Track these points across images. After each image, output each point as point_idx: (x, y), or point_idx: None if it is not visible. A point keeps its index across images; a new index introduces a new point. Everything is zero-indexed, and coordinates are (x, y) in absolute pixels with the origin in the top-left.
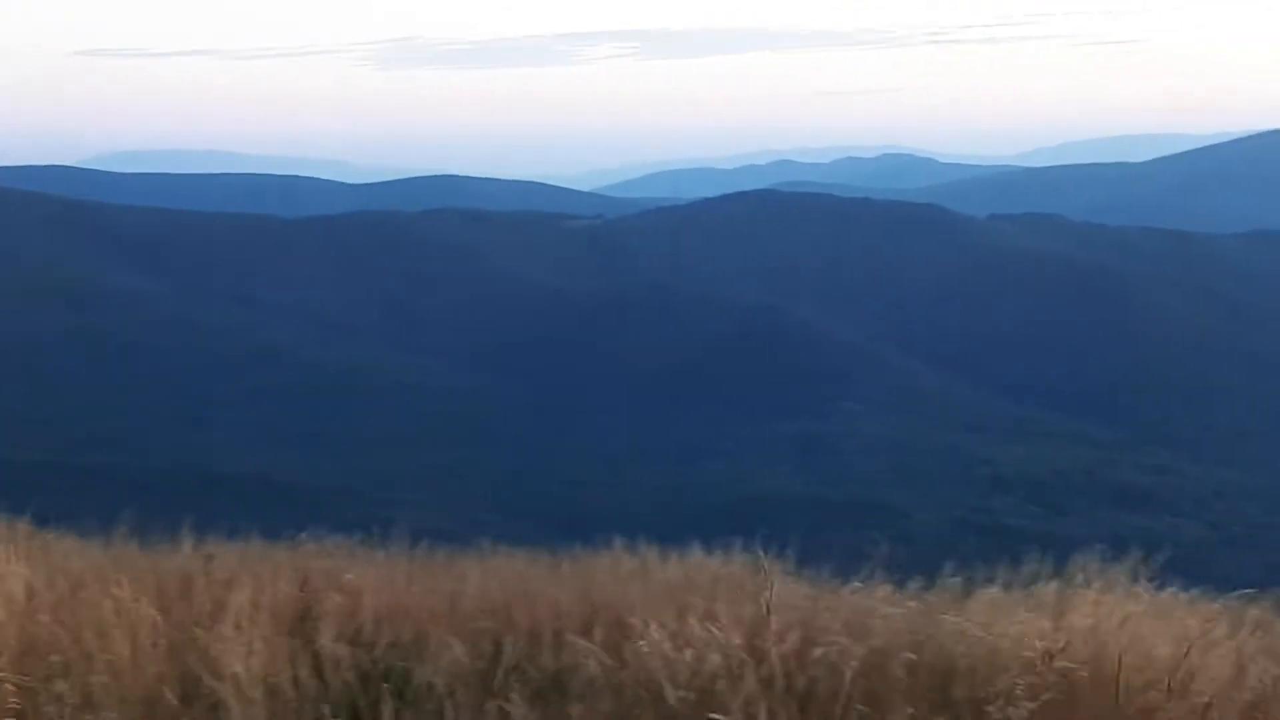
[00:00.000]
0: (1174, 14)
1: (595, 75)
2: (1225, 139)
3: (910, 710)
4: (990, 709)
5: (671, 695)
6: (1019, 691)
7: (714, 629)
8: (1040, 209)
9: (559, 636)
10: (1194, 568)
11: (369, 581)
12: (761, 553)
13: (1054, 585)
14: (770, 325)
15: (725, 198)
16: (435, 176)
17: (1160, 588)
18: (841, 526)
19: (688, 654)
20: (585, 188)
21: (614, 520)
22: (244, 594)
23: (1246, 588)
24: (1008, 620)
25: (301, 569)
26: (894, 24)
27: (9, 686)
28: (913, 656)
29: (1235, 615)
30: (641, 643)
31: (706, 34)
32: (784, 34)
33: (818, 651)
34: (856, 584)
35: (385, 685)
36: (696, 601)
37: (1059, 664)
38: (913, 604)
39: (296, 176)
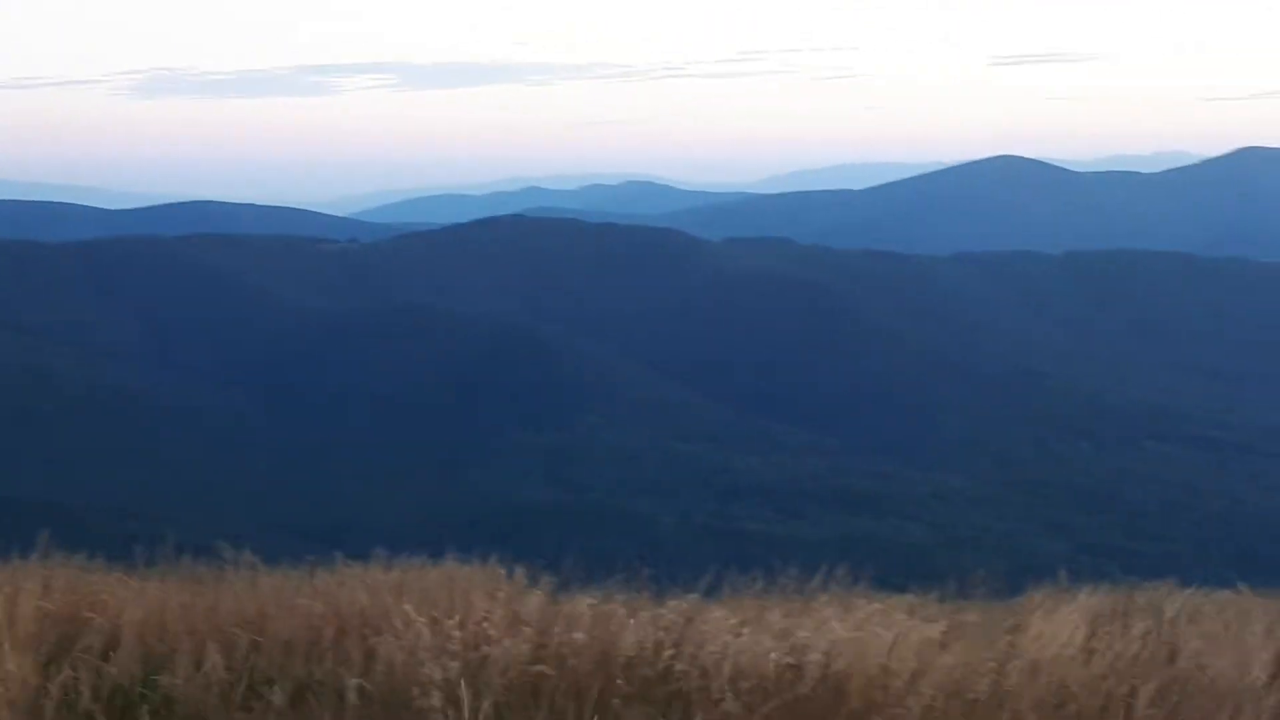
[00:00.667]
0: (887, 52)
1: (351, 106)
2: (937, 168)
3: (646, 711)
4: (725, 709)
5: (419, 699)
6: (752, 692)
7: (460, 634)
8: (771, 233)
9: (312, 646)
10: (918, 567)
11: (126, 597)
12: (512, 561)
13: (788, 588)
14: (520, 343)
15: (477, 223)
16: (193, 202)
17: (886, 588)
18: (590, 534)
19: (435, 659)
20: (341, 213)
21: (371, 532)
22: None
23: (968, 587)
24: (741, 623)
25: (59, 587)
26: (630, 59)
27: None
28: (650, 660)
29: (955, 614)
30: (394, 649)
31: (459, 68)
32: (533, 68)
33: (554, 653)
34: (600, 589)
35: (138, 698)
36: (448, 609)
37: (790, 665)
38: (658, 610)
39: (58, 203)
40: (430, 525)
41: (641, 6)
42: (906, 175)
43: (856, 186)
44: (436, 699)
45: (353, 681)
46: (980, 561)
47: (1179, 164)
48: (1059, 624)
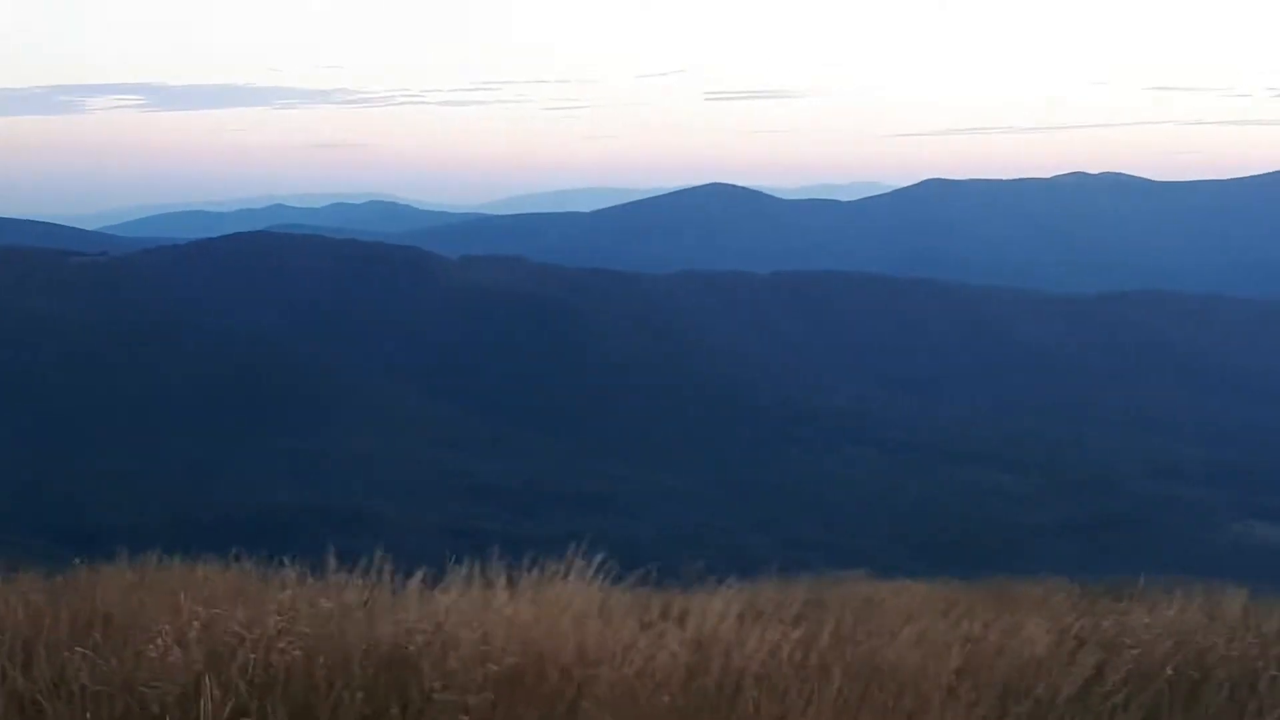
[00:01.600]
0: (615, 84)
1: (102, 124)
2: (658, 193)
3: (361, 694)
4: (439, 697)
5: (154, 699)
6: (469, 681)
7: (205, 629)
8: (505, 251)
9: (54, 647)
10: (644, 563)
11: None
12: (259, 562)
13: (519, 581)
14: (267, 353)
15: (224, 238)
16: None
17: (611, 581)
18: (336, 535)
19: (179, 657)
20: (90, 227)
21: (122, 536)
22: None
23: (691, 580)
24: (470, 613)
25: None
26: (372, 87)
27: None
28: (376, 649)
29: (679, 604)
30: (146, 648)
31: (209, 90)
32: (279, 92)
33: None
34: (344, 585)
35: None
36: (197, 609)
37: (509, 652)
38: (398, 600)
39: None
40: (180, 529)
41: (382, 39)
42: (629, 200)
43: (584, 209)
44: (177, 693)
45: (92, 680)
46: (698, 555)
47: (873, 193)
48: (716, 606)
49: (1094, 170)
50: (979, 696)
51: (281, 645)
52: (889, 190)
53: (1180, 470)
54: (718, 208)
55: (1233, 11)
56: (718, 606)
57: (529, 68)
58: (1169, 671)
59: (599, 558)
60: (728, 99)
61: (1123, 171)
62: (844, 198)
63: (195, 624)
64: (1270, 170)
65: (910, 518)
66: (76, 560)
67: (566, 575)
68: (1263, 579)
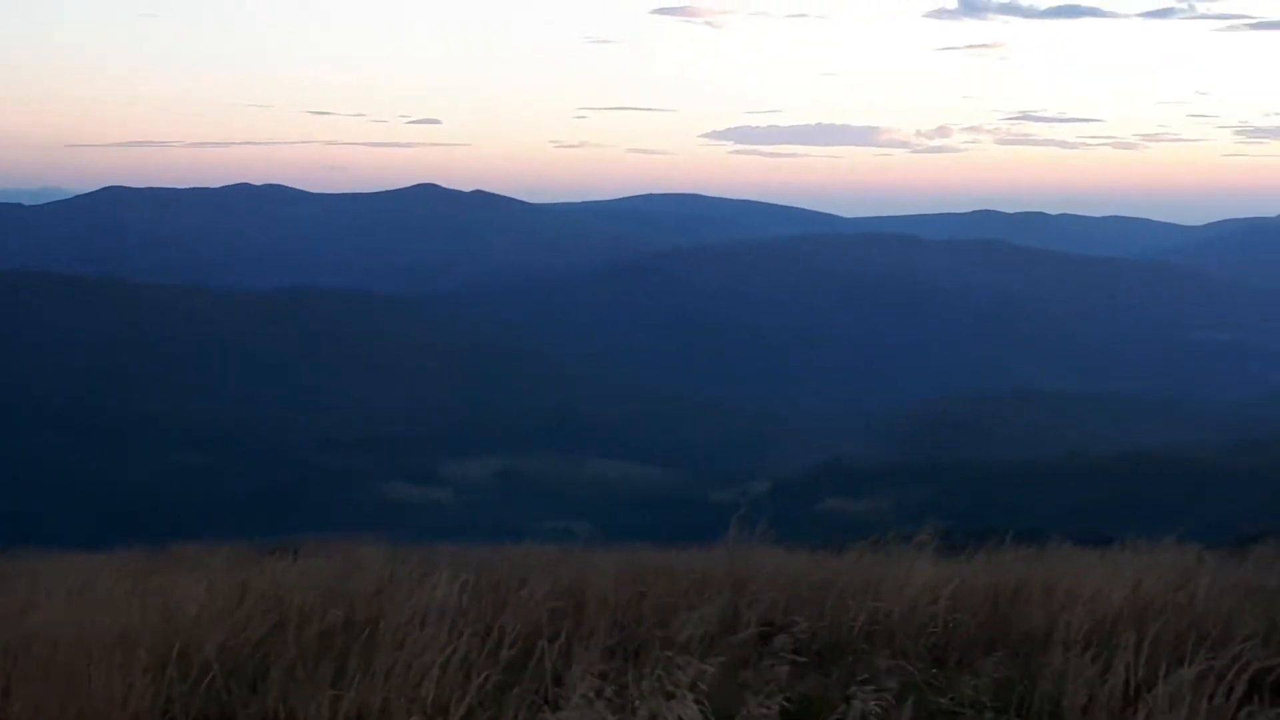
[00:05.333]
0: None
1: None
2: None
3: None
4: None
5: None
6: None
7: None
8: None
9: None
10: None
11: None
12: None
13: None
14: None
15: None
16: None
17: None
18: None
19: None
20: None
21: None
22: None
23: None
24: None
25: None
26: None
27: None
28: None
29: None
30: None
31: None
32: None
33: None
34: None
35: None
36: None
37: None
38: None
39: None
40: None
41: None
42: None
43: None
44: None
45: None
46: None
47: (57, 198)
48: None
49: (258, 182)
50: (134, 654)
51: None
52: (71, 195)
53: (341, 443)
54: None
55: (525, 50)
56: None
57: None
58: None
59: None
60: None
61: (283, 183)
62: (30, 201)
63: None
64: (408, 185)
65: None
66: None
67: None
68: (403, 529)
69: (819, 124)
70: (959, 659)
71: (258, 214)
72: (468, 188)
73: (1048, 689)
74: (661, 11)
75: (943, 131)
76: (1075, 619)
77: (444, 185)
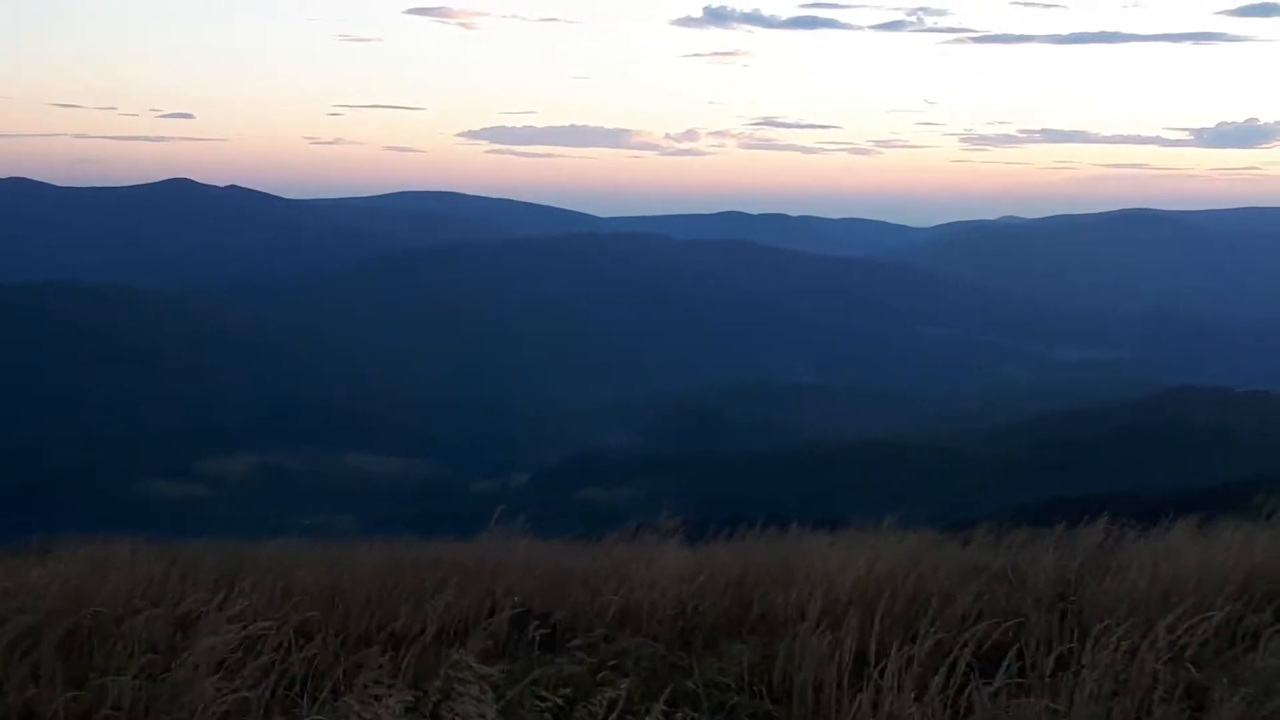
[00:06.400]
0: None
1: None
2: None
3: None
4: None
5: None
6: None
7: None
8: None
9: None
10: None
11: None
12: None
13: None
14: None
15: None
16: None
17: None
18: None
19: None
20: None
21: None
22: None
23: None
24: None
25: None
26: None
27: None
28: None
29: None
30: None
31: None
32: None
33: None
34: None
35: None
36: None
37: None
38: None
39: None
40: None
41: None
42: None
43: None
44: None
45: None
46: None
47: None
48: None
49: (0, 175)
50: None
51: None
52: None
53: (95, 439)
54: None
55: (280, 47)
56: None
57: None
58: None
59: None
60: None
61: (28, 176)
62: None
63: None
64: (160, 179)
65: None
66: None
67: None
68: (159, 527)
69: (572, 125)
70: (705, 641)
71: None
72: (222, 183)
73: (786, 668)
74: (416, 11)
75: (690, 135)
76: (812, 600)
77: (198, 180)
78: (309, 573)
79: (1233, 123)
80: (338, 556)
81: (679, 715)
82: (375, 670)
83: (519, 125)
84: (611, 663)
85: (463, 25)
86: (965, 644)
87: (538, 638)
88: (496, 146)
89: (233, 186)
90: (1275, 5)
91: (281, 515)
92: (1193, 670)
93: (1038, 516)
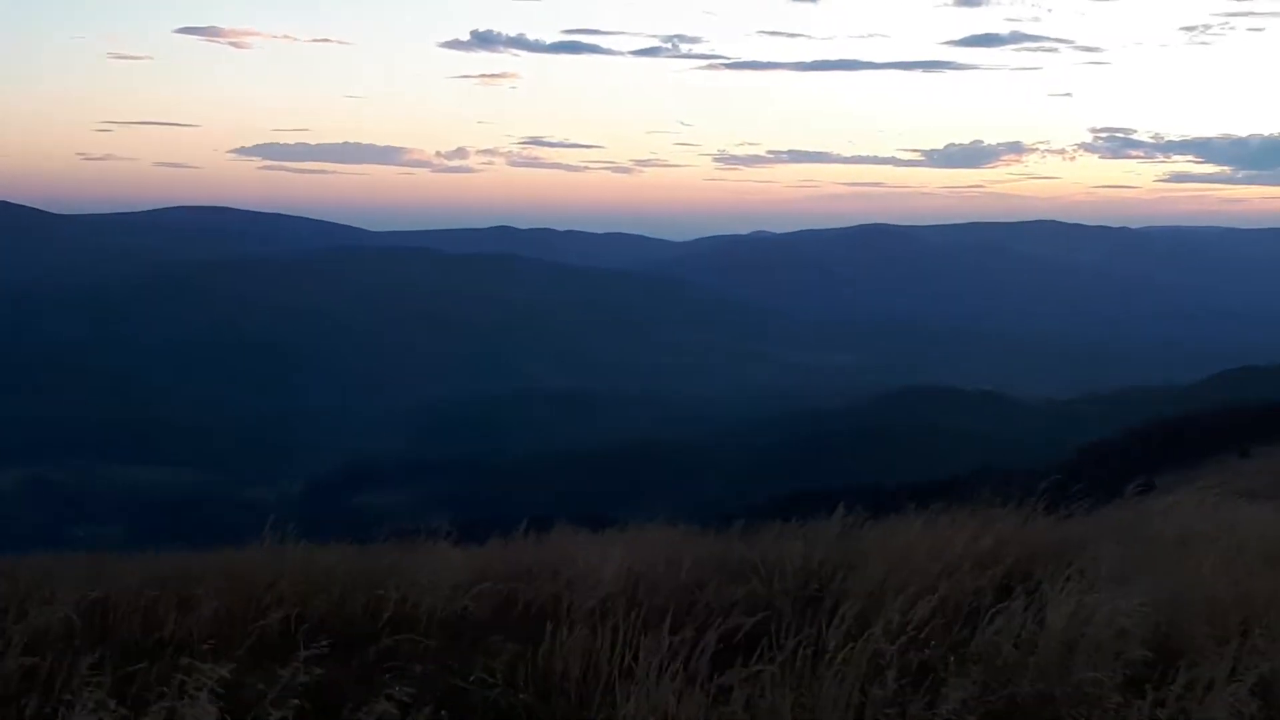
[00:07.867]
0: None
1: None
2: None
3: None
4: None
5: None
6: None
7: None
8: None
9: None
10: None
11: None
12: None
13: None
14: None
15: None
16: None
17: None
18: None
19: None
20: None
21: None
22: None
23: None
24: None
25: None
26: None
27: None
28: None
29: None
30: None
31: None
32: None
33: None
34: None
35: None
36: None
37: None
38: None
39: None
40: None
41: None
42: None
43: None
44: None
45: None
46: None
47: None
48: None
49: None
50: None
51: None
52: None
53: None
54: None
55: (48, 63)
56: None
57: None
58: None
59: None
60: None
61: None
62: None
63: None
64: None
65: None
66: None
67: None
68: None
69: (345, 143)
70: (474, 639)
71: None
72: None
73: (548, 661)
74: (186, 31)
75: (461, 153)
76: (577, 596)
77: None
78: (75, 583)
79: (960, 144)
80: (104, 568)
81: (443, 714)
82: (142, 679)
83: (292, 142)
84: (387, 664)
85: (233, 44)
86: (721, 632)
87: (304, 641)
88: (270, 163)
89: (1, 202)
90: (997, 36)
91: (51, 529)
92: (926, 651)
93: (787, 509)
